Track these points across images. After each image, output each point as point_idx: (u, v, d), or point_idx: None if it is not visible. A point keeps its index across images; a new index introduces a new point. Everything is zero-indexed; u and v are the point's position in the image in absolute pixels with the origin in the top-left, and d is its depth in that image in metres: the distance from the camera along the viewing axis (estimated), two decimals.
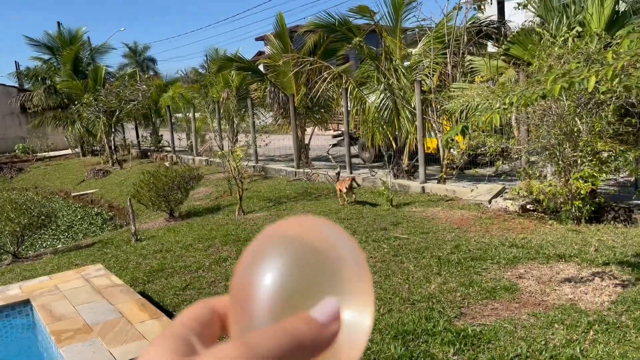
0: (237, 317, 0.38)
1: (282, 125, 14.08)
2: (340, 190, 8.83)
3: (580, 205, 6.47)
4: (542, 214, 7.09)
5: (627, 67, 3.31)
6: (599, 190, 7.05)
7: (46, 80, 22.66)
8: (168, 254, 6.98)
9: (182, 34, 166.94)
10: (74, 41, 22.25)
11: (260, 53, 30.81)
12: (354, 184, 8.90)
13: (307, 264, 0.38)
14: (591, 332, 3.77)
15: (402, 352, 3.68)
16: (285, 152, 15.46)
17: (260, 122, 14.92)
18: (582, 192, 6.32)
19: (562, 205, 6.70)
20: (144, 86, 19.20)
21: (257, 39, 31.02)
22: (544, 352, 3.54)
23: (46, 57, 22.94)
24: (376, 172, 11.18)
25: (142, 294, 5.29)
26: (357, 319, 0.38)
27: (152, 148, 20.61)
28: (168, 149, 19.73)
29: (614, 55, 3.20)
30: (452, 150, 8.94)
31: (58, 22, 25.44)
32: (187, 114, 18.10)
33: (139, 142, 21.37)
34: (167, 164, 14.93)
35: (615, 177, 7.69)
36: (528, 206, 7.44)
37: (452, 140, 7.97)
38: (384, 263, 5.66)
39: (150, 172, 9.82)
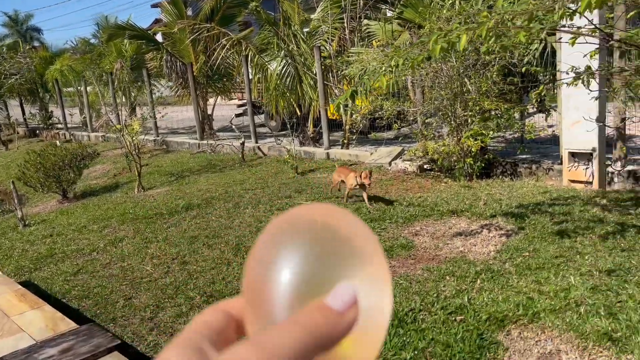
0: (254, 318, 0.36)
1: (182, 96, 13.49)
2: (343, 182, 6.29)
3: (472, 162, 6.81)
4: (438, 173, 7.40)
5: (502, 27, 3.43)
6: (489, 148, 7.46)
7: None
8: (59, 238, 6.52)
9: None
10: None
11: (157, 21, 29.16)
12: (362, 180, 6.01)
13: (318, 243, 0.36)
14: (478, 281, 4.00)
15: None
16: (188, 124, 14.90)
17: (158, 93, 14.18)
18: (472, 149, 6.66)
19: (455, 164, 7.03)
20: (28, 59, 17.54)
21: (152, 6, 29.31)
22: (435, 304, 3.71)
23: None
24: (282, 141, 11.09)
25: (27, 283, 4.90)
26: (376, 303, 0.36)
27: (41, 126, 19.01)
28: (60, 126, 18.29)
29: (488, 15, 3.30)
30: (352, 115, 9.03)
31: None
32: (79, 88, 16.82)
33: (25, 119, 19.60)
34: (58, 142, 13.86)
35: (503, 135, 8.18)
36: (425, 166, 7.73)
37: (347, 106, 8.05)
38: None
39: (36, 151, 9.06)
